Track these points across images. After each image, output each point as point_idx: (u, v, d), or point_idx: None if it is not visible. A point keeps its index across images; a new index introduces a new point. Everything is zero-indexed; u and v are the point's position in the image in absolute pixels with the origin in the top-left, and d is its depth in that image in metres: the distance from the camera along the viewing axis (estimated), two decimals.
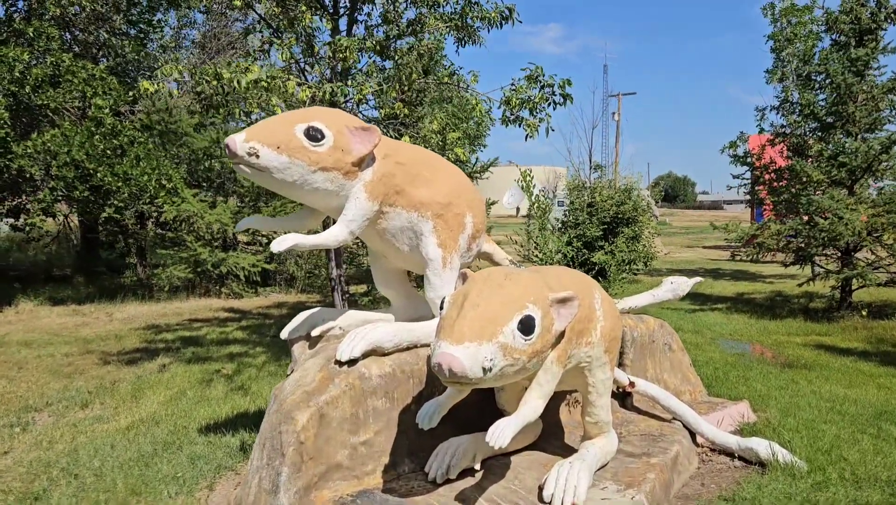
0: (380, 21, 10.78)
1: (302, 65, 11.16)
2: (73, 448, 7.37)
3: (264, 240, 21.55)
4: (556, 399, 6.53)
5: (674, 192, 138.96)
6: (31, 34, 17.36)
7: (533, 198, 9.65)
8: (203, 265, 19.45)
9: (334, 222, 5.39)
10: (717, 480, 6.08)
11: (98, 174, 16.87)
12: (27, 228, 19.96)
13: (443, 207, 5.65)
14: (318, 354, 5.71)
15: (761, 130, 18.25)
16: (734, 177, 20.30)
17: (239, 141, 4.92)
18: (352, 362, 5.33)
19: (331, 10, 10.72)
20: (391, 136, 10.41)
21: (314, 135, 5.09)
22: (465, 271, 4.72)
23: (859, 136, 15.95)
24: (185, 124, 19.78)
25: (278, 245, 4.87)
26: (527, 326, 4.25)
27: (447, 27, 10.51)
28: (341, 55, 9.65)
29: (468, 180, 6.13)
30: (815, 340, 13.00)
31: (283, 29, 10.34)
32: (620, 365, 7.14)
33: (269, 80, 9.07)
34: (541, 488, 5.00)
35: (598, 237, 18.71)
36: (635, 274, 21.51)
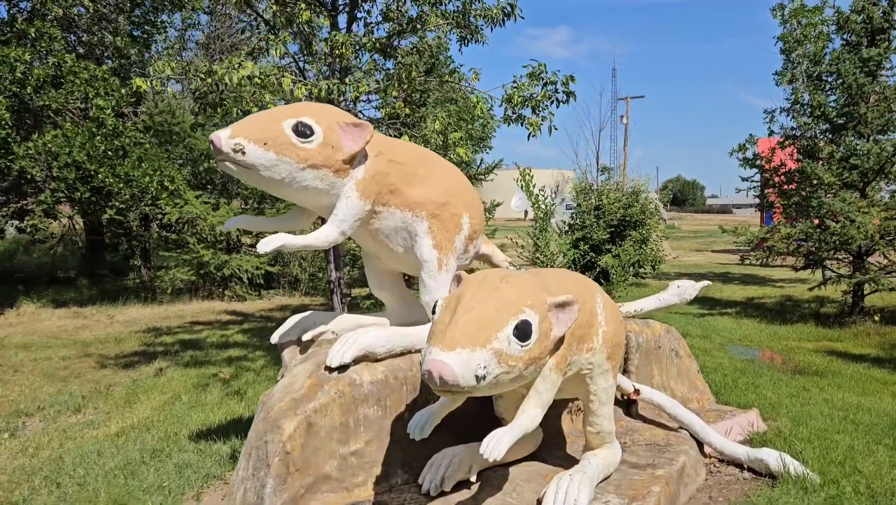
0: (380, 19, 10.59)
1: (302, 64, 10.99)
2: (58, 455, 7.21)
3: None
4: (558, 407, 6.30)
5: (682, 196, 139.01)
6: (33, 35, 17.21)
7: (533, 198, 9.45)
8: (206, 267, 19.35)
9: (325, 222, 5.18)
10: (725, 492, 5.85)
11: (99, 175, 16.79)
12: (28, 230, 19.85)
13: (438, 207, 5.46)
14: (308, 359, 5.54)
15: (771, 133, 18.04)
16: (743, 179, 20.07)
17: (224, 137, 4.73)
18: (342, 368, 5.16)
19: (329, 7, 10.52)
20: (393, 137, 10.20)
21: (303, 131, 4.91)
22: (459, 273, 4.53)
23: (871, 138, 15.70)
24: (187, 125, 19.68)
25: (265, 246, 4.69)
26: (523, 332, 4.04)
27: (448, 24, 10.32)
28: (338, 52, 9.45)
29: (465, 179, 5.94)
30: (826, 346, 12.75)
31: (281, 27, 10.14)
32: (625, 371, 6.92)
33: (262, 77, 8.88)
34: (539, 502, 4.80)
35: (605, 240, 18.54)
36: (642, 278, 21.33)
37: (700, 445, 6.39)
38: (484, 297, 4.10)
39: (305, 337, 5.81)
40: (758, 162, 18.26)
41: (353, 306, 15.64)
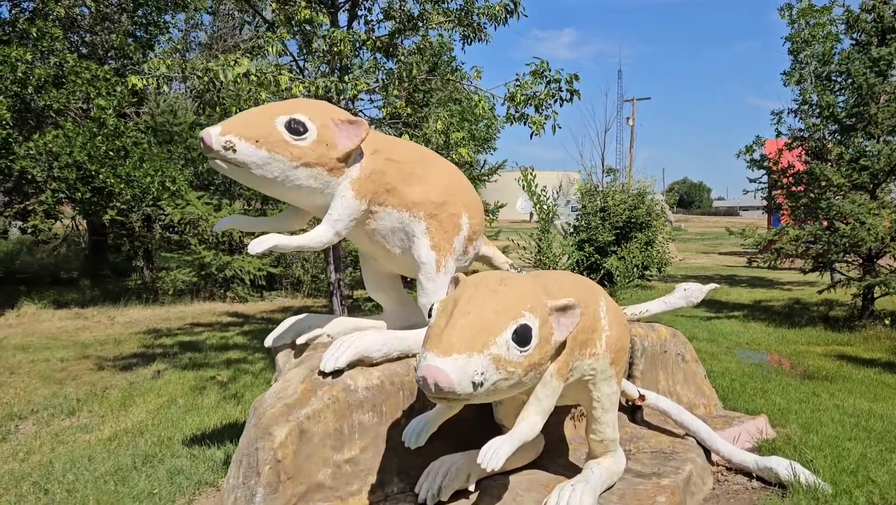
0: (381, 17, 10.43)
1: (302, 63, 10.84)
2: (49, 460, 7.07)
3: None
4: (560, 413, 6.14)
5: (689, 198, 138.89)
6: (35, 34, 17.12)
7: (535, 198, 9.28)
8: (207, 269, 19.28)
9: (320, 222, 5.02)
10: (733, 502, 5.68)
11: (100, 176, 16.70)
12: (29, 231, 19.81)
13: (437, 207, 5.30)
14: (303, 363, 5.38)
15: (778, 134, 17.91)
16: (751, 181, 19.94)
17: (214, 134, 4.58)
18: (337, 373, 5.00)
19: (328, 5, 10.36)
20: (394, 136, 10.06)
21: (296, 128, 4.75)
22: (457, 275, 4.36)
23: (882, 139, 15.51)
24: (188, 125, 19.58)
25: (257, 246, 4.54)
26: (522, 337, 3.88)
27: (450, 22, 10.16)
28: (336, 49, 9.31)
29: (464, 178, 5.78)
30: (836, 351, 12.55)
31: (280, 24, 9.99)
32: (630, 377, 6.75)
33: (259, 75, 8.73)
34: None
35: (610, 242, 18.41)
36: (648, 280, 21.17)
37: (707, 452, 6.21)
38: (482, 300, 3.95)
39: (300, 340, 5.67)
40: (765, 164, 18.11)
41: (355, 309, 15.50)
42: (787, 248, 15.60)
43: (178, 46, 25.94)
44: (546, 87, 9.93)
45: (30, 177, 18.01)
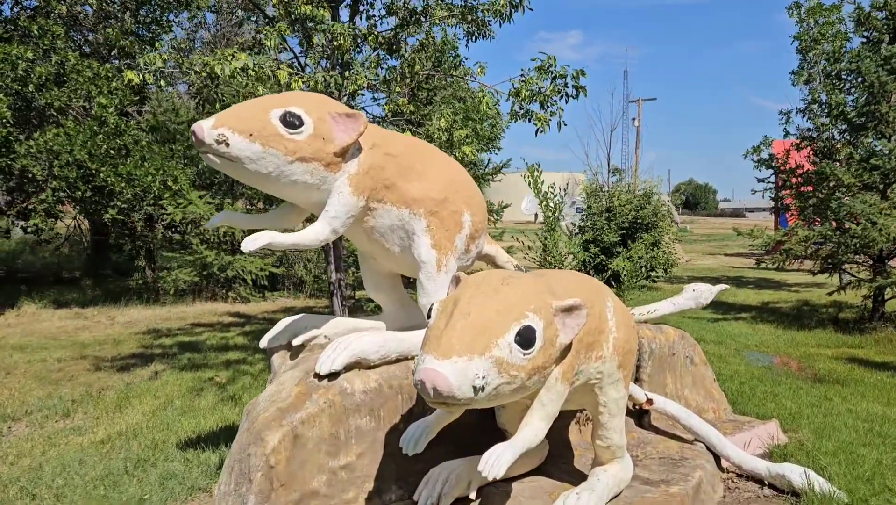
0: (384, 13, 10.27)
1: (303, 60, 10.68)
2: (39, 464, 6.91)
3: None
4: (565, 417, 5.95)
5: (695, 200, 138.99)
6: (36, 32, 17.00)
7: (541, 196, 9.14)
8: (209, 268, 19.19)
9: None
10: None
11: (101, 174, 16.60)
12: (29, 230, 19.72)
13: (437, 204, 5.14)
14: (298, 365, 5.23)
15: (786, 134, 17.70)
16: (759, 181, 19.76)
17: (206, 127, 4.41)
18: (333, 376, 4.84)
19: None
20: None
21: (292, 121, 4.58)
22: (458, 274, 4.19)
23: (893, 138, 15.30)
24: (187, 123, 19.47)
25: (251, 244, 4.38)
26: (526, 339, 3.71)
27: (454, 17, 10.00)
28: (336, 43, 9.14)
29: (466, 174, 5.60)
30: (846, 353, 12.32)
31: (280, 18, 9.81)
32: (637, 380, 6.57)
33: (256, 69, 8.57)
34: None
35: (616, 243, 18.26)
36: (654, 281, 21.01)
37: (717, 458, 6.03)
38: (483, 300, 3.78)
39: (296, 342, 5.49)
40: (773, 164, 17.94)
41: (357, 310, 15.36)
42: (796, 248, 15.41)
43: (182, 45, 25.84)
44: (552, 83, 9.75)
45: (30, 175, 17.89)
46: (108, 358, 11.95)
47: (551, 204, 9.46)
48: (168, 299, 19.24)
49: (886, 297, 15.29)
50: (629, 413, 6.28)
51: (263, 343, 5.67)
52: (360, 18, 10.40)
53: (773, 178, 19.39)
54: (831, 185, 15.35)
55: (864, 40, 16.27)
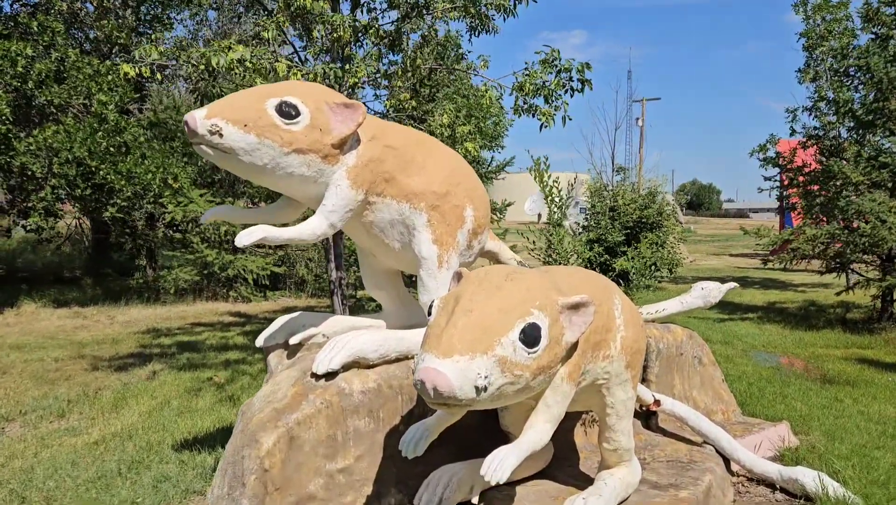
0: (385, 6, 10.13)
1: (303, 54, 10.55)
2: (31, 465, 6.74)
3: None
4: (570, 419, 5.79)
5: (698, 200, 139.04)
6: (36, 28, 16.88)
7: (547, 189, 8.99)
8: (210, 268, 19.08)
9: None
10: None
11: (100, 172, 16.49)
12: (29, 229, 19.65)
13: (439, 198, 4.99)
14: (295, 365, 5.09)
15: (793, 132, 17.58)
16: (766, 179, 19.64)
17: (199, 117, 4.28)
18: (330, 375, 4.71)
19: None
20: None
21: (288, 111, 4.45)
22: (460, 270, 4.03)
23: None
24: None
25: (245, 238, 4.26)
26: (531, 337, 3.56)
27: (456, 10, 9.86)
28: (336, 35, 9.00)
29: (468, 167, 5.44)
30: (856, 354, 12.14)
31: (280, 10, 9.67)
32: (644, 381, 6.41)
33: (254, 61, 8.42)
34: None
35: (620, 242, 18.14)
36: (659, 281, 20.88)
37: (727, 461, 5.87)
38: (486, 296, 3.64)
39: (293, 340, 5.35)
40: (779, 162, 17.82)
41: (358, 309, 15.25)
42: (804, 247, 15.26)
43: (184, 43, 25.77)
44: (556, 76, 9.60)
45: (30, 173, 17.80)
46: (105, 358, 11.82)
47: (556, 199, 9.32)
48: (168, 299, 19.12)
49: (895, 297, 15.13)
50: (636, 415, 6.12)
51: (259, 342, 5.55)
52: (362, 12, 10.27)
53: (779, 177, 19.29)
54: (839, 183, 15.18)
55: (873, 36, 16.11)
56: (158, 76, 8.98)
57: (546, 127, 9.63)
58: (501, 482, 3.65)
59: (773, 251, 16.91)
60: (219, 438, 7.29)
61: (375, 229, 5.01)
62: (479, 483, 4.62)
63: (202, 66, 8.60)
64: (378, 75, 9.92)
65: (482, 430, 5.07)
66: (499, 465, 3.66)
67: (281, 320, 5.60)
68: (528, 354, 3.55)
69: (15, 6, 19.32)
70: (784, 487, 5.63)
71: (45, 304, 17.96)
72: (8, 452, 7.17)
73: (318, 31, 9.48)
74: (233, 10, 23.14)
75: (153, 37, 20.15)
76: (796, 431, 7.18)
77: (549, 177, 9.42)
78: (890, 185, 14.82)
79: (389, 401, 4.79)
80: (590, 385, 4.38)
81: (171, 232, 21.77)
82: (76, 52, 16.96)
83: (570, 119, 9.79)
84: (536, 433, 3.95)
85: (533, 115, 9.75)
